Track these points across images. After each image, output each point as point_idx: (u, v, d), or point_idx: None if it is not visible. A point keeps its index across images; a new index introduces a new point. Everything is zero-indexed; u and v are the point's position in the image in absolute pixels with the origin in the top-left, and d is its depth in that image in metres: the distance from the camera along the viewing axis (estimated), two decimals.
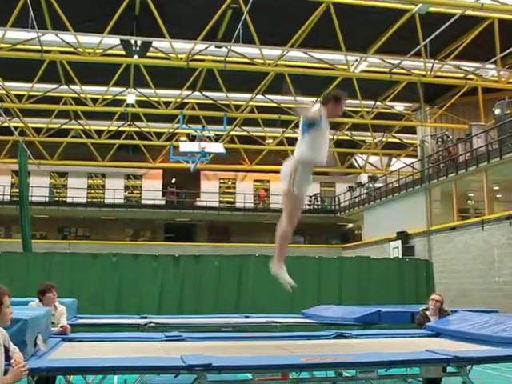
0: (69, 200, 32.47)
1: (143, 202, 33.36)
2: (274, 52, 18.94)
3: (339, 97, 5.47)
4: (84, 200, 32.67)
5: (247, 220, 32.77)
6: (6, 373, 3.56)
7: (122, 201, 33.27)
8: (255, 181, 35.82)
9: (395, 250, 24.09)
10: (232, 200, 35.23)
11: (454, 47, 19.23)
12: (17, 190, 23.57)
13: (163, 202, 33.34)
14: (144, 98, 23.64)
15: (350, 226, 35.20)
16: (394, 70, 19.61)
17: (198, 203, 33.88)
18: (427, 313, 7.56)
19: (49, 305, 6.39)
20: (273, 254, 5.75)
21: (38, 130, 27.21)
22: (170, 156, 19.33)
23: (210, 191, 34.23)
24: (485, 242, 18.50)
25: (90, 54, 17.56)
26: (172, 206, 32.93)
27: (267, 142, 29.51)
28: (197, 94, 24.08)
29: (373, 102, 24.78)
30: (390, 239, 24.85)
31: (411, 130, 28.55)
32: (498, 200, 23.92)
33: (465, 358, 4.97)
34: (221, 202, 34.86)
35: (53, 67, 20.41)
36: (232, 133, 27.80)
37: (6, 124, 23.22)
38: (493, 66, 19.61)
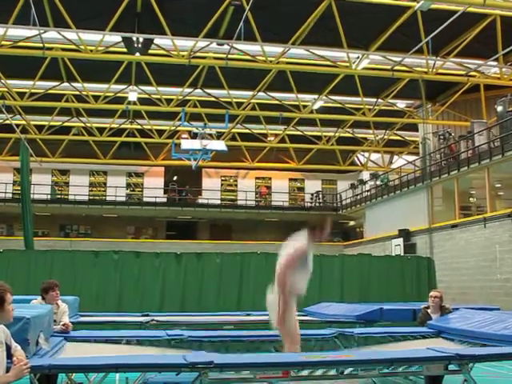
0: (70, 198, 32.50)
1: (145, 199, 33.34)
2: (276, 49, 18.92)
3: (324, 225, 5.78)
4: (86, 198, 32.71)
5: (249, 217, 32.78)
6: (8, 371, 3.57)
7: (123, 198, 33.27)
8: (257, 178, 35.82)
9: (397, 247, 24.07)
10: (234, 197, 35.22)
11: (456, 44, 19.17)
12: (19, 188, 23.63)
13: (165, 200, 33.33)
14: (146, 96, 23.61)
15: (352, 223, 35.18)
16: (396, 67, 19.55)
17: (200, 201, 33.90)
18: (428, 311, 7.55)
19: (51, 303, 6.40)
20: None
21: (39, 128, 27.21)
22: (172, 153, 19.25)
23: (211, 189, 34.23)
24: (486, 239, 18.48)
25: (91, 51, 17.57)
26: (174, 204, 32.93)
27: (269, 139, 29.47)
28: (198, 91, 24.04)
29: (374, 99, 24.72)
30: (391, 237, 24.82)
31: (413, 128, 28.50)
32: (500, 197, 23.87)
33: (466, 355, 4.98)
34: (222, 199, 34.84)
35: (54, 64, 20.40)
36: (234, 130, 27.76)
37: (7, 121, 23.21)
38: (495, 63, 19.54)
